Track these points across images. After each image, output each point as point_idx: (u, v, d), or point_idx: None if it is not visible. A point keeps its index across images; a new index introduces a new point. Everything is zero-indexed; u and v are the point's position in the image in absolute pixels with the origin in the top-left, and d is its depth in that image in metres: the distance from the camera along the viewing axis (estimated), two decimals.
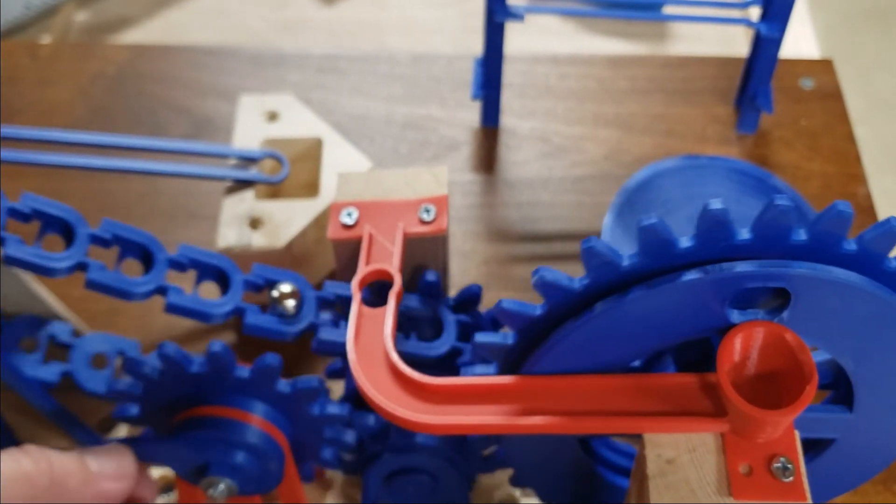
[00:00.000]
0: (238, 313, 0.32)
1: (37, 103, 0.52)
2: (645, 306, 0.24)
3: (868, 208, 0.44)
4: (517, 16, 0.43)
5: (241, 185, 0.43)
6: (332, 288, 0.33)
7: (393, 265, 0.31)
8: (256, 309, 0.32)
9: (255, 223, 0.41)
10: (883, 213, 0.45)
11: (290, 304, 0.32)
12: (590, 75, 0.50)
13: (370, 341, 0.28)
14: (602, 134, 0.48)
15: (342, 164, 0.43)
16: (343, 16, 0.59)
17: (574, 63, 0.51)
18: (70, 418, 0.33)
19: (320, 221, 0.42)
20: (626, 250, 0.41)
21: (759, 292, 0.24)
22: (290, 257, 0.41)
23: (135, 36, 0.59)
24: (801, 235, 0.23)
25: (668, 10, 0.51)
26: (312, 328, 0.32)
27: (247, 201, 0.42)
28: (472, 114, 0.49)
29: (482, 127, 0.49)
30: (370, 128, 0.50)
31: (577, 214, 0.44)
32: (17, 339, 0.35)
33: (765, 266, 0.23)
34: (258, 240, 0.40)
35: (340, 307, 0.33)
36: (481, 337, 0.26)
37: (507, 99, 0.50)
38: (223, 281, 0.33)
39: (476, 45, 0.56)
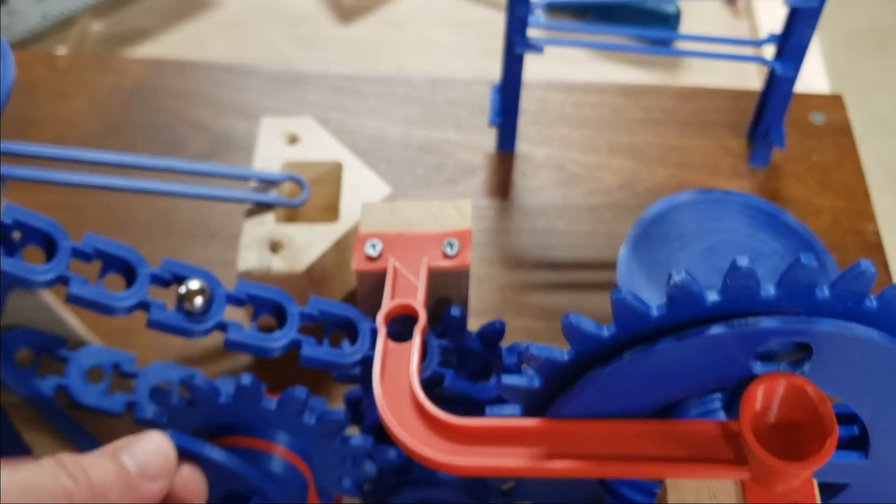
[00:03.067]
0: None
1: (53, 115, 0.53)
2: (672, 357, 0.25)
3: (877, 245, 0.45)
4: (537, 48, 0.44)
5: (262, 207, 0.43)
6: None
7: (418, 300, 0.31)
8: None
9: (275, 247, 0.42)
10: (892, 248, 0.46)
11: (198, 301, 0.31)
12: (604, 104, 0.51)
13: (396, 377, 0.29)
14: (617, 163, 0.48)
15: (361, 188, 0.44)
16: (360, 34, 0.60)
17: (589, 91, 0.51)
18: (81, 432, 0.34)
19: (339, 245, 0.42)
20: (642, 283, 0.42)
21: (782, 345, 0.25)
22: (310, 281, 0.42)
23: (151, 48, 0.59)
24: (825, 292, 0.24)
25: (683, 45, 0.52)
26: (221, 327, 0.31)
27: (267, 224, 0.42)
28: (488, 139, 0.50)
29: (498, 152, 0.49)
30: (387, 150, 0.50)
31: (592, 243, 0.45)
32: (14, 351, 0.35)
33: (789, 322, 0.24)
34: (278, 264, 0.41)
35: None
36: (507, 379, 0.27)
37: (523, 125, 0.50)
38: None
39: (491, 67, 0.57)
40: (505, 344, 0.35)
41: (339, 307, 0.33)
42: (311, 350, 0.32)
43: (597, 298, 0.43)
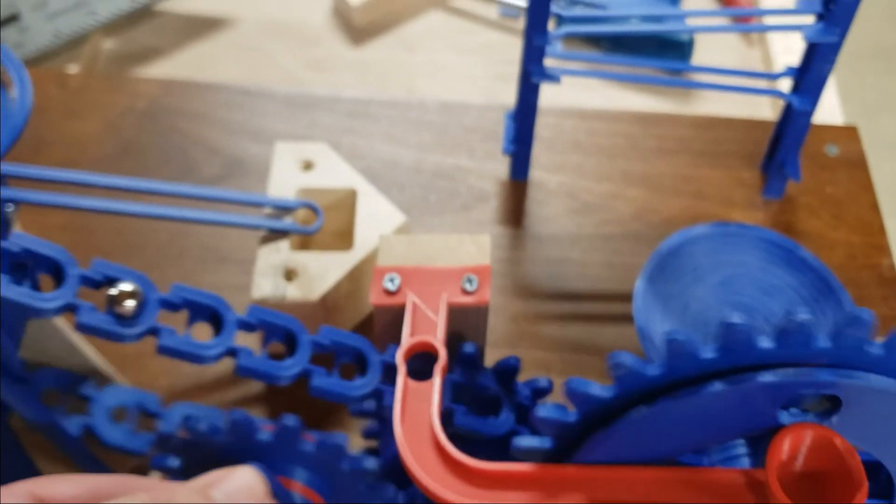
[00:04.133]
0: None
1: (66, 135, 0.53)
2: (696, 407, 0.24)
3: (892, 280, 0.45)
4: (554, 78, 0.44)
5: (276, 234, 0.43)
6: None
7: (438, 337, 0.31)
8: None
9: (289, 274, 0.41)
10: None
11: (130, 304, 0.30)
12: (618, 132, 0.51)
13: (416, 417, 0.29)
14: (631, 192, 0.48)
15: (376, 216, 0.43)
16: (372, 56, 0.60)
17: (603, 119, 0.51)
18: (101, 467, 0.34)
19: (353, 274, 0.42)
20: (657, 316, 0.42)
21: (810, 396, 0.25)
22: (323, 310, 0.41)
23: (163, 68, 0.59)
24: (825, 342, 0.24)
25: (699, 77, 0.52)
26: (153, 333, 0.30)
27: (282, 252, 0.42)
28: (501, 166, 0.50)
29: (511, 180, 0.49)
30: (400, 175, 0.50)
31: (606, 274, 0.45)
32: (41, 390, 0.35)
33: (818, 375, 0.23)
34: (293, 292, 0.41)
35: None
36: (520, 441, 0.26)
37: (536, 152, 0.50)
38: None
39: (503, 92, 0.57)
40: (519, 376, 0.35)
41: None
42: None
43: (612, 331, 0.43)
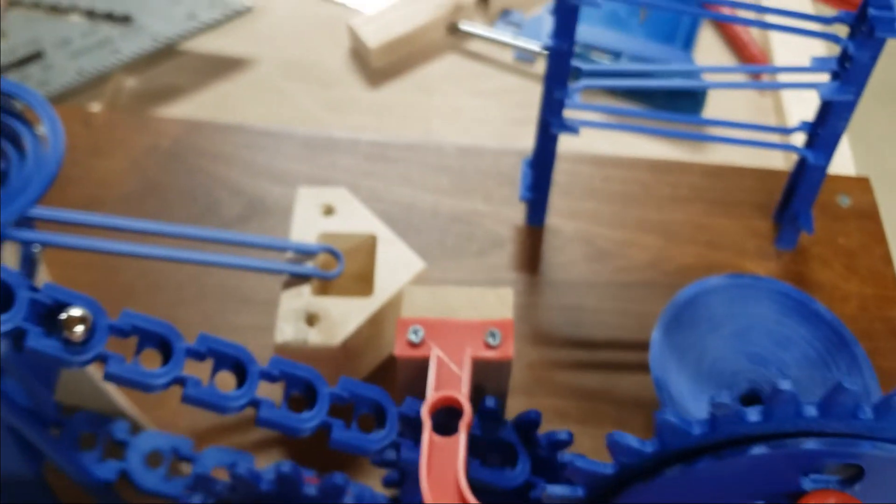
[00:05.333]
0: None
1: (91, 173, 0.54)
2: (738, 467, 0.25)
3: None
4: (573, 129, 0.45)
5: (298, 278, 0.44)
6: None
7: (462, 392, 0.32)
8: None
9: (311, 319, 0.42)
10: None
11: (79, 329, 0.29)
12: (633, 179, 0.52)
13: (442, 473, 0.29)
14: (646, 240, 0.49)
15: (396, 263, 0.44)
16: (389, 98, 0.61)
17: (618, 166, 0.52)
18: None
19: (373, 319, 0.43)
20: (673, 367, 0.42)
21: (832, 463, 0.25)
22: (344, 354, 0.42)
23: (184, 107, 0.60)
24: (867, 414, 0.24)
25: (713, 130, 0.53)
26: (102, 359, 0.30)
27: (304, 296, 0.43)
28: (517, 211, 0.51)
29: (527, 225, 0.50)
30: (417, 218, 0.51)
31: (622, 322, 0.46)
32: (78, 435, 0.35)
33: (838, 445, 0.24)
34: (314, 337, 0.41)
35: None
36: (553, 489, 0.27)
37: (552, 198, 0.51)
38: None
39: (519, 136, 0.58)
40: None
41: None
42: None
43: (628, 380, 0.44)
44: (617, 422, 0.42)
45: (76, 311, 0.29)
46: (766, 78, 0.55)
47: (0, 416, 0.32)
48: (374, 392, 0.34)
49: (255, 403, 0.32)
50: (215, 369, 0.32)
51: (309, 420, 0.32)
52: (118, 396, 0.37)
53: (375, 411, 0.34)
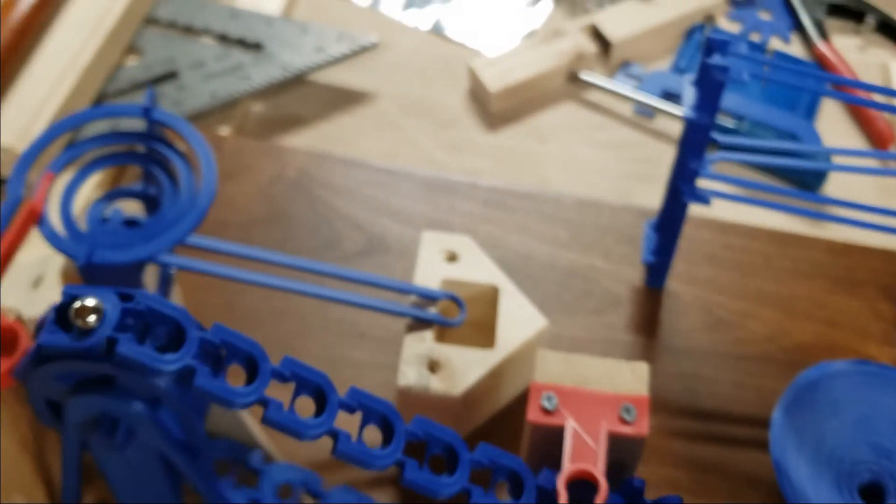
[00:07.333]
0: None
1: (221, 196, 0.56)
2: None
3: None
4: (704, 200, 0.45)
5: (420, 322, 0.45)
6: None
7: (598, 468, 0.32)
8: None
9: (433, 366, 0.43)
10: None
11: (91, 319, 0.29)
12: (754, 249, 0.51)
13: None
14: (765, 313, 0.49)
15: (518, 317, 0.45)
16: (506, 143, 0.62)
17: (739, 234, 0.52)
18: None
19: (493, 371, 0.43)
20: (793, 449, 0.42)
21: None
22: (463, 404, 0.43)
23: (306, 136, 0.62)
24: None
25: (836, 210, 0.52)
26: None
27: (426, 341, 0.44)
28: (635, 271, 0.51)
29: (646, 287, 0.50)
30: (534, 270, 0.51)
31: (738, 395, 0.45)
32: (215, 460, 0.37)
33: None
34: (436, 384, 0.42)
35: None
36: None
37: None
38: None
39: (636, 191, 0.58)
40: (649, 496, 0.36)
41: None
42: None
43: (742, 455, 0.44)
44: (731, 497, 0.42)
45: (90, 302, 0.29)
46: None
47: (153, 446, 0.33)
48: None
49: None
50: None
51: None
52: (255, 427, 0.38)
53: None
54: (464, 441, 0.34)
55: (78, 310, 0.29)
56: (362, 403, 0.33)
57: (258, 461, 0.38)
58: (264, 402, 0.31)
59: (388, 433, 0.33)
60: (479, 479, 0.33)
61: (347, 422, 0.32)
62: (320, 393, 0.33)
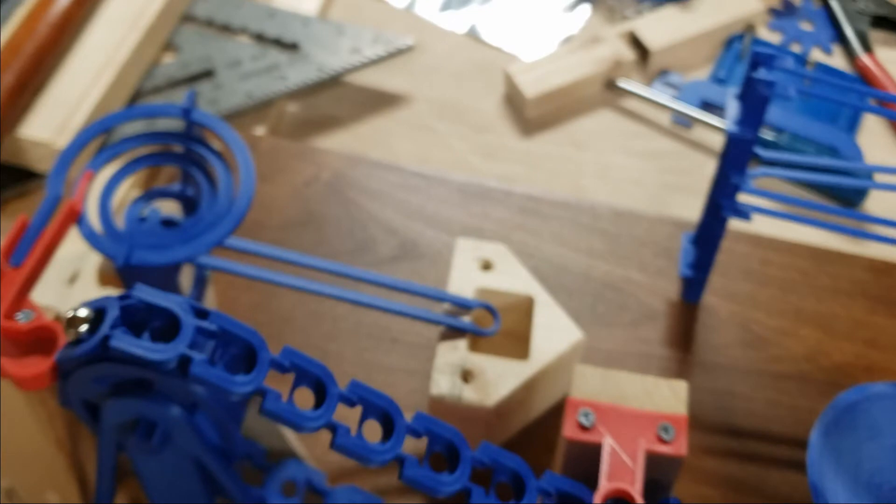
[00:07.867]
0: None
1: (256, 197, 0.55)
2: None
3: None
4: (744, 215, 0.44)
5: (454, 331, 0.44)
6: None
7: (636, 488, 0.32)
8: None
9: (466, 375, 0.43)
10: None
11: (84, 328, 0.30)
12: (792, 265, 0.51)
13: None
14: (803, 331, 0.48)
15: (553, 329, 0.44)
16: (541, 149, 0.61)
17: (777, 249, 0.51)
18: None
19: (527, 384, 0.43)
20: (831, 471, 0.41)
21: None
22: (496, 415, 0.43)
23: (340, 138, 0.62)
24: None
25: (879, 229, 0.52)
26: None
27: (460, 350, 0.43)
28: (672, 284, 0.50)
29: (682, 301, 0.50)
30: (569, 280, 0.51)
31: (773, 414, 0.45)
32: (281, 482, 0.37)
33: None
34: (469, 394, 0.42)
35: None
36: None
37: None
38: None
39: (672, 202, 0.58)
40: None
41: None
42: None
43: (777, 475, 0.43)
44: None
45: (82, 312, 0.29)
46: None
47: (188, 450, 0.33)
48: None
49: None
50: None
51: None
52: (291, 434, 0.38)
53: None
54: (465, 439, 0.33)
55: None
56: (362, 397, 0.32)
57: (323, 484, 0.37)
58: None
59: (389, 428, 0.32)
60: (480, 480, 0.33)
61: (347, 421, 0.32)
62: (320, 385, 0.32)
